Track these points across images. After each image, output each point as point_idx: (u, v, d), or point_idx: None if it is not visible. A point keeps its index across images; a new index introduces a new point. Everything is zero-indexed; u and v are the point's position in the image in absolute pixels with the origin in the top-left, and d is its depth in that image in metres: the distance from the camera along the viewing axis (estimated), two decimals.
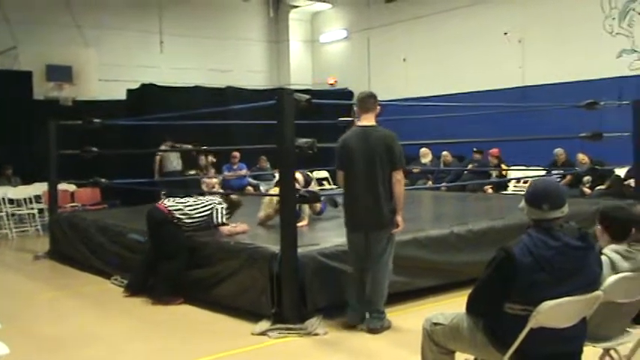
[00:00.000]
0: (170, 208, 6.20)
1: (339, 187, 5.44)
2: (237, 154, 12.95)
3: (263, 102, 6.35)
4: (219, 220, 6.23)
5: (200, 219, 6.25)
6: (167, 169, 12.14)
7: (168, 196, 6.92)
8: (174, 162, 12.18)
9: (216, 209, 6.26)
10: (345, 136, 5.16)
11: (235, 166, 13.13)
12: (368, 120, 5.13)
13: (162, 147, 11.47)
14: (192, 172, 11.80)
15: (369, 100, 5.16)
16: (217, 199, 6.46)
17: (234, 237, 6.11)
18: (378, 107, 5.23)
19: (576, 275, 2.97)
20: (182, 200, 6.39)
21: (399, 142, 5.07)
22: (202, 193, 6.88)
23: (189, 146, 11.28)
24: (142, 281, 6.32)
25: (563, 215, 3.08)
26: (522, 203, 3.17)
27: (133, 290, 6.35)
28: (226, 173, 12.99)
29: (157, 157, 12.15)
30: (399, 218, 5.01)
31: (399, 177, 4.99)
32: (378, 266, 5.02)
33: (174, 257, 6.05)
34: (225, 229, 6.22)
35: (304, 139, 5.40)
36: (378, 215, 4.94)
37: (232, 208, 6.50)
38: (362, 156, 4.98)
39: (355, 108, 5.24)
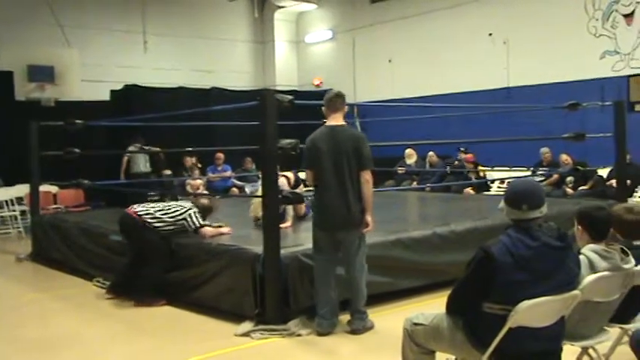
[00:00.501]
0: (140, 213, 6.14)
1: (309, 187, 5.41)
2: (221, 155, 12.91)
3: (246, 103, 6.33)
4: (196, 224, 6.15)
5: (173, 223, 6.15)
6: (134, 170, 12.16)
7: (137, 200, 6.80)
8: (142, 164, 12.20)
9: (189, 214, 6.15)
10: (313, 135, 5.13)
11: (220, 168, 13.09)
12: (336, 120, 5.11)
13: (131, 148, 11.42)
14: (168, 172, 11.71)
15: (337, 100, 5.14)
16: (188, 204, 6.34)
17: (216, 238, 6.09)
18: (346, 107, 5.21)
19: (555, 275, 2.99)
20: (152, 205, 6.33)
21: (368, 143, 5.08)
22: (178, 195, 6.75)
23: (158, 149, 11.25)
24: (124, 283, 6.27)
25: (542, 215, 3.10)
26: (502, 204, 3.19)
27: (115, 292, 6.30)
28: (211, 175, 12.95)
29: (125, 159, 12.17)
30: (368, 218, 4.99)
31: (367, 177, 4.98)
32: (354, 267, 5.02)
33: (153, 260, 6.02)
34: (207, 231, 6.18)
35: (287, 140, 5.40)
36: (347, 215, 4.93)
37: (205, 212, 6.38)
38: (330, 156, 4.96)
39: (323, 108, 5.20)
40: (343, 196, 4.92)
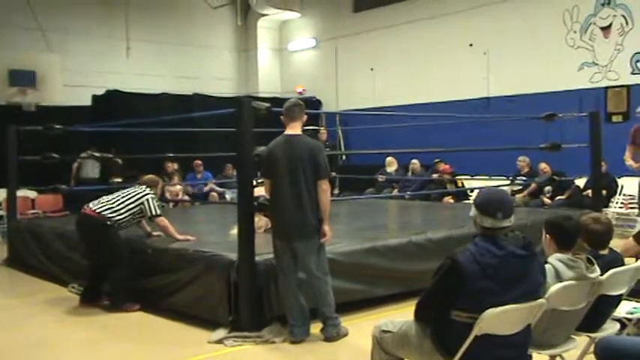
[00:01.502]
0: (98, 210, 6.08)
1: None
2: (199, 162, 12.90)
3: (226, 109, 6.32)
4: (153, 211, 6.15)
5: (130, 213, 6.13)
6: (82, 175, 12.29)
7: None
8: (90, 170, 12.41)
9: (147, 199, 6.16)
10: (270, 144, 5.13)
11: (200, 175, 13.04)
12: (294, 129, 5.10)
13: (83, 155, 11.54)
14: (119, 179, 11.88)
15: (294, 109, 5.13)
16: (145, 189, 6.31)
17: (167, 232, 6.20)
18: (305, 116, 5.22)
19: (520, 283, 3.03)
20: (106, 199, 6.24)
21: (325, 152, 5.10)
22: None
23: (110, 155, 11.47)
24: (95, 289, 6.23)
25: (511, 225, 3.14)
26: (474, 211, 3.21)
27: (87, 299, 6.25)
28: (189, 184, 12.93)
29: (75, 165, 12.29)
30: (325, 228, 4.99)
31: (324, 187, 4.97)
32: (317, 277, 5.00)
33: (116, 264, 5.98)
34: (163, 221, 6.19)
35: (263, 148, 5.40)
36: (303, 225, 4.92)
37: (152, 185, 6.41)
38: (286, 165, 4.96)
39: (282, 117, 5.21)
40: (299, 206, 4.91)
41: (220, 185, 13.05)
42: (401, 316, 3.63)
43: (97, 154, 11.55)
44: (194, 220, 8.99)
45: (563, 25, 11.93)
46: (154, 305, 5.92)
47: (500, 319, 2.96)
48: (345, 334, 5.10)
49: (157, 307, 5.89)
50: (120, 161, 11.84)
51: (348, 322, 5.25)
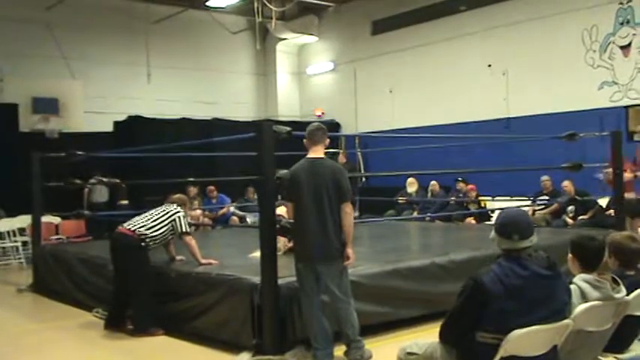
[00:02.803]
0: (133, 229, 6.17)
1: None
2: (212, 187, 13.01)
3: (245, 134, 6.39)
4: (183, 228, 6.27)
5: (164, 230, 6.24)
6: (93, 200, 12.57)
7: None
8: (99, 195, 12.75)
9: (178, 217, 6.29)
10: (293, 168, 5.18)
11: (214, 200, 13.11)
12: (316, 152, 5.14)
13: (92, 180, 11.84)
14: (125, 202, 12.45)
15: (316, 133, 5.17)
16: (177, 207, 6.44)
17: (192, 251, 6.26)
18: (327, 140, 5.26)
19: (545, 303, 3.02)
20: (139, 218, 6.35)
21: (347, 175, 5.13)
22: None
23: (116, 180, 11.81)
24: (119, 313, 6.26)
25: (532, 244, 3.14)
26: (493, 234, 3.23)
27: (112, 323, 6.28)
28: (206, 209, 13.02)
29: (85, 190, 12.53)
30: (349, 251, 4.98)
31: (347, 210, 4.99)
32: (340, 300, 4.99)
33: (140, 287, 6.04)
34: (190, 240, 6.26)
35: (285, 171, 5.44)
36: (326, 248, 4.92)
37: (182, 204, 6.55)
38: (309, 188, 4.98)
39: (304, 140, 5.26)
40: (323, 229, 4.92)
41: (241, 209, 13.10)
42: (426, 337, 3.62)
43: (104, 180, 11.83)
44: (216, 243, 9.03)
45: (582, 45, 11.91)
46: (178, 329, 5.94)
47: (526, 340, 2.95)
48: (369, 357, 5.06)
49: (181, 331, 5.90)
50: (124, 185, 12.12)
51: (371, 344, 5.22)
